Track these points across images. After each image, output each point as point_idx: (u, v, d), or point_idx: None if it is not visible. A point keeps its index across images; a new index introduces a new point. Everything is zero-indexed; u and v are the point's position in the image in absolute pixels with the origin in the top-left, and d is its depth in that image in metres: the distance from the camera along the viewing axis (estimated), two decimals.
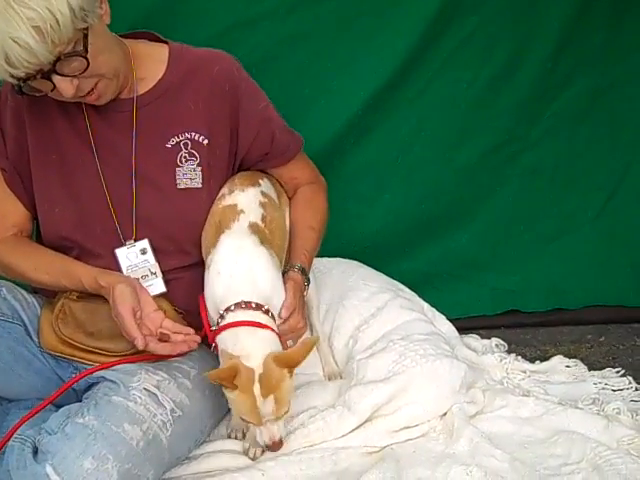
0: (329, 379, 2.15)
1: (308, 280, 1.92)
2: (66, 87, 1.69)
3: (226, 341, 1.72)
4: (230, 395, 1.69)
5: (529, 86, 2.48)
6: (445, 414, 1.97)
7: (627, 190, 2.58)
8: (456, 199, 2.57)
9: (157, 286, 1.90)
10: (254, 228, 1.84)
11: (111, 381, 1.75)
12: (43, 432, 1.63)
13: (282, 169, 2.05)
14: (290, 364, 1.69)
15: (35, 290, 2.01)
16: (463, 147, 2.53)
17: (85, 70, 1.69)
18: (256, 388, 1.66)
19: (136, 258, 1.89)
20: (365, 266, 2.45)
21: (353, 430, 1.92)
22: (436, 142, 2.52)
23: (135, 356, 1.83)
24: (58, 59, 1.64)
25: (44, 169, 1.92)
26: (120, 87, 1.86)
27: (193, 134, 1.91)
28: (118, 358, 1.83)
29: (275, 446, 1.72)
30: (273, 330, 1.75)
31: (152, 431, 1.69)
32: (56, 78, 1.68)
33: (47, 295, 1.98)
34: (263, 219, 1.88)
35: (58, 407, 1.81)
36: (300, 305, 1.84)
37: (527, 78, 2.47)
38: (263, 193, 1.94)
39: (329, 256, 2.44)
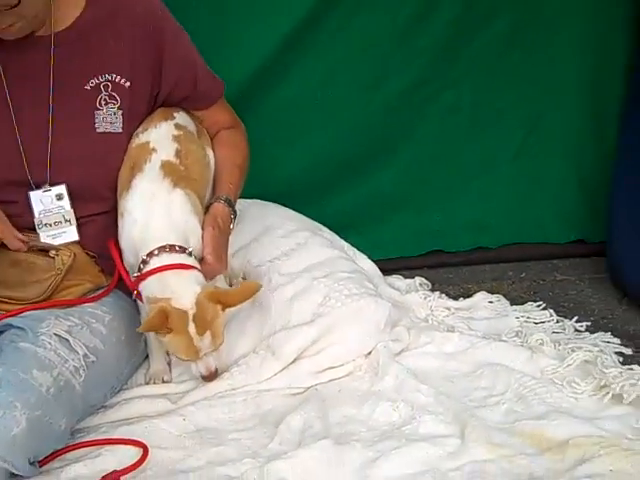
0: (230, 285, 2.12)
1: (235, 212, 1.92)
2: None
3: (152, 287, 1.73)
4: (164, 339, 1.72)
5: (448, 24, 2.47)
6: (370, 353, 1.95)
7: (546, 127, 2.60)
8: (376, 139, 2.55)
9: (70, 234, 1.85)
10: (167, 168, 1.82)
11: (18, 327, 1.68)
12: None
13: (203, 113, 2.02)
14: (226, 303, 1.74)
15: None
16: (382, 86, 2.51)
17: (14, 7, 1.63)
18: (191, 327, 1.70)
19: (51, 203, 1.84)
20: (283, 207, 2.40)
21: (276, 373, 1.89)
22: (355, 81, 2.49)
23: (44, 302, 1.77)
24: None
25: None
26: (34, 27, 1.77)
27: (114, 76, 1.86)
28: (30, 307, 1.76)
29: (211, 376, 1.79)
30: (199, 271, 1.76)
31: (63, 377, 1.63)
32: None
33: None
34: (177, 154, 1.85)
35: None
36: (222, 243, 1.83)
37: (446, 16, 2.46)
38: (178, 126, 1.91)
39: (248, 198, 2.39)
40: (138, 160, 1.83)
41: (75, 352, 1.68)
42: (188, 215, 1.80)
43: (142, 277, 1.73)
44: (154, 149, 1.84)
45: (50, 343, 1.65)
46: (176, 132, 1.89)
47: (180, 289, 1.71)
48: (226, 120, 2.07)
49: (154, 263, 1.72)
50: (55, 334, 1.66)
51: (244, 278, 2.13)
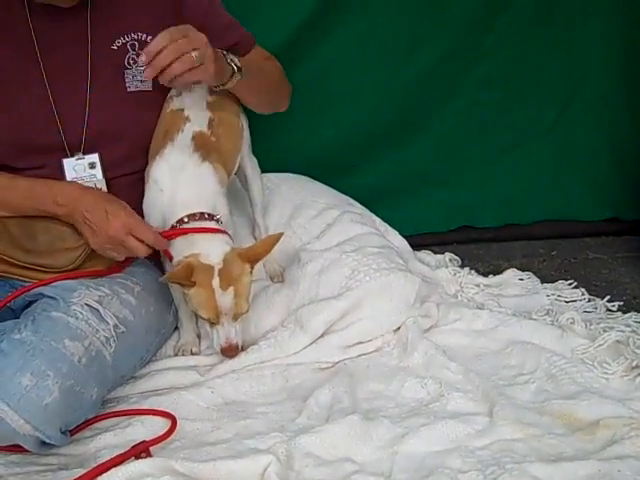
0: (271, 279, 2.13)
1: (238, 69, 1.85)
2: None
3: (181, 246, 1.76)
4: (189, 292, 1.73)
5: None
6: (399, 328, 1.96)
7: (580, 102, 2.57)
8: (407, 111, 2.52)
9: None
10: (199, 140, 1.83)
11: (50, 297, 1.70)
12: None
13: None
14: (253, 258, 1.75)
15: None
16: (413, 57, 2.48)
17: None
18: (215, 281, 1.71)
19: (83, 171, 1.86)
20: (314, 181, 2.41)
21: (305, 347, 1.91)
22: (386, 52, 2.46)
23: (75, 272, 1.79)
24: None
25: None
26: None
27: (139, 34, 1.86)
28: (57, 274, 1.77)
29: (230, 350, 1.77)
30: (229, 236, 1.80)
31: (95, 347, 1.65)
32: None
33: None
34: (210, 123, 1.86)
35: None
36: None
37: None
38: (211, 91, 1.91)
39: (277, 171, 2.40)
40: (171, 128, 1.85)
41: (105, 322, 1.69)
42: (215, 187, 1.83)
43: (172, 234, 1.76)
44: (188, 118, 1.86)
45: (81, 313, 1.66)
46: (210, 98, 1.90)
47: (208, 247, 1.74)
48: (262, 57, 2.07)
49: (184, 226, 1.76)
50: (86, 304, 1.68)
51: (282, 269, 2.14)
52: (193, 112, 1.87)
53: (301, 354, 1.90)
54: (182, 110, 1.87)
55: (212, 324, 1.76)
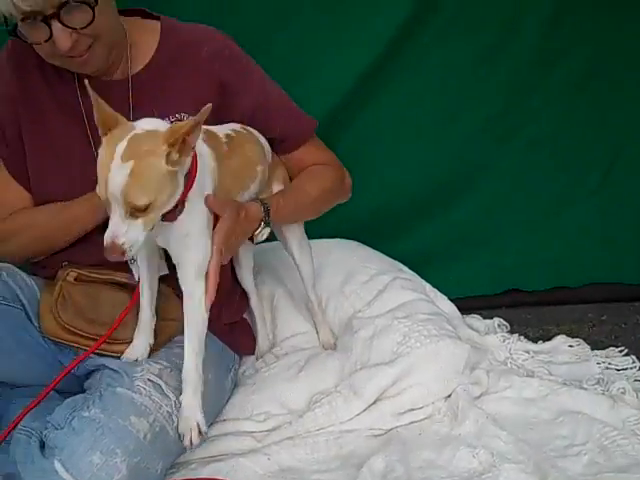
0: (324, 347, 2.21)
1: (267, 222, 1.85)
2: (64, 38, 1.70)
3: None
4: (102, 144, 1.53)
5: (527, 56, 2.51)
6: (449, 396, 2.01)
7: (626, 163, 2.62)
8: (453, 173, 2.60)
9: (161, 268, 1.90)
10: (209, 135, 1.76)
11: (113, 370, 1.78)
12: (50, 426, 1.66)
13: (292, 154, 2.06)
14: (172, 136, 1.50)
15: (34, 272, 2.03)
16: (461, 119, 2.56)
17: (88, 25, 1.70)
18: (120, 146, 1.47)
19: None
20: (364, 246, 2.50)
21: (359, 414, 1.97)
22: (433, 115, 2.54)
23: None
24: (66, 2, 1.66)
25: (38, 155, 1.94)
26: (109, 62, 1.87)
27: (182, 114, 1.92)
28: (122, 346, 1.85)
29: (112, 250, 1.48)
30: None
31: (159, 423, 1.72)
32: (56, 26, 1.68)
33: (45, 276, 2.00)
34: (228, 137, 1.81)
35: (60, 393, 1.86)
36: (232, 232, 1.74)
37: (524, 48, 2.50)
38: (245, 128, 1.91)
39: (327, 235, 2.48)
40: None
41: (168, 398, 1.76)
42: (206, 162, 1.68)
43: None
44: (208, 129, 1.78)
45: (145, 389, 1.73)
46: (239, 129, 1.89)
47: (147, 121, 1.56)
48: (318, 159, 2.09)
49: None
50: (149, 379, 1.75)
51: (335, 339, 2.21)
52: (216, 127, 1.82)
53: (355, 420, 1.96)
54: (207, 128, 1.79)
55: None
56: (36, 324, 1.93)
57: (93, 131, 1.90)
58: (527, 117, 2.57)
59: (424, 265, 2.52)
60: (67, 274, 1.93)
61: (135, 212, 1.48)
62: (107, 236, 1.49)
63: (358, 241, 2.52)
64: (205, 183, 1.67)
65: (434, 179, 2.59)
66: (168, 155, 1.49)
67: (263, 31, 2.37)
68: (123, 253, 1.49)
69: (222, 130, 1.84)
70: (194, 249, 1.67)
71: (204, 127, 1.70)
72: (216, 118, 1.92)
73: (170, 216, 1.60)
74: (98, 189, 1.50)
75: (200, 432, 1.72)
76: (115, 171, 1.45)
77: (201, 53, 1.94)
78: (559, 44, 2.50)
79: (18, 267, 2.00)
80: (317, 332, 2.23)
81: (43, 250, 2.00)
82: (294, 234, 2.11)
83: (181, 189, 1.57)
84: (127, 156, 1.46)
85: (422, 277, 2.48)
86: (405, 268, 2.46)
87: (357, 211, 2.54)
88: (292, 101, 2.05)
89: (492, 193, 2.62)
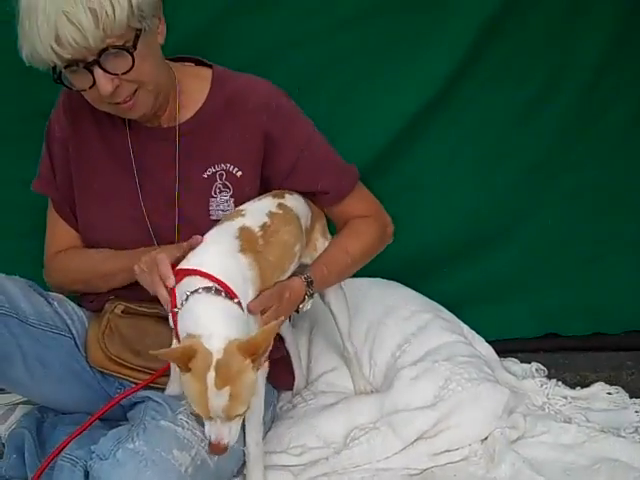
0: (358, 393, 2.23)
1: (311, 294, 1.89)
2: (105, 84, 1.75)
3: (187, 317, 1.63)
4: (183, 377, 1.58)
5: (569, 108, 2.54)
6: (486, 438, 2.03)
7: None
8: (493, 220, 2.62)
9: None
10: (244, 233, 1.79)
11: (157, 402, 1.81)
12: (94, 456, 1.69)
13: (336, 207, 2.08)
14: (253, 350, 1.55)
15: (80, 304, 2.10)
16: (502, 168, 2.59)
17: (128, 70, 1.76)
18: (210, 376, 1.53)
19: None
20: (404, 286, 2.53)
21: (396, 453, 2.00)
22: (475, 162, 2.58)
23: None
24: (105, 49, 1.72)
25: (86, 200, 2.03)
26: (157, 108, 1.93)
27: (228, 165, 1.97)
28: (166, 378, 1.88)
29: (218, 449, 1.60)
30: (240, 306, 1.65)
31: (200, 456, 1.75)
32: (98, 72, 1.74)
33: (93, 309, 2.07)
34: (263, 227, 1.82)
35: (103, 421, 1.91)
36: (275, 311, 1.78)
37: (567, 100, 2.53)
38: (281, 205, 1.91)
39: (367, 275, 2.50)
40: (224, 218, 1.87)
41: None
42: (238, 276, 1.70)
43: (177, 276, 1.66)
44: (243, 214, 1.84)
45: (187, 422, 1.77)
46: (275, 210, 1.89)
47: (212, 323, 1.58)
48: (361, 210, 2.10)
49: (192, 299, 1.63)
50: (192, 413, 1.76)
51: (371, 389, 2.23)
52: (251, 213, 1.85)
53: (391, 459, 1.99)
54: (242, 210, 1.87)
55: None
56: (84, 354, 1.99)
57: (141, 179, 1.99)
58: (568, 167, 2.59)
59: (462, 307, 2.54)
60: (115, 307, 2.00)
61: (233, 417, 1.58)
62: (213, 439, 1.59)
63: (398, 282, 2.55)
64: (248, 295, 1.72)
65: (475, 224, 2.62)
66: (253, 365, 1.57)
67: (313, 79, 2.43)
68: (226, 449, 1.60)
69: (257, 218, 1.84)
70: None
71: (239, 219, 1.80)
72: (257, 171, 1.99)
73: None
74: (197, 409, 1.57)
75: None
76: (214, 398, 1.54)
77: (248, 104, 1.98)
78: (603, 95, 2.53)
79: (68, 297, 2.08)
80: (353, 382, 2.24)
81: (86, 291, 2.08)
82: (331, 290, 2.10)
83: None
84: (221, 383, 1.53)
85: (460, 319, 2.50)
86: (444, 309, 2.49)
87: (398, 253, 2.53)
88: (337, 154, 2.08)
89: (533, 239, 2.64)
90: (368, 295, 2.43)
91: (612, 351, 2.56)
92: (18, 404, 2.19)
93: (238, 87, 2.00)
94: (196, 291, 1.62)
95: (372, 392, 2.21)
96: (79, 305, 2.09)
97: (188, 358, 1.54)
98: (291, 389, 2.27)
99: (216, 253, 1.73)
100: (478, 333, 2.49)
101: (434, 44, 2.44)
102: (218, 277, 1.64)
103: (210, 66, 2.04)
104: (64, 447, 1.78)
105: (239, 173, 1.97)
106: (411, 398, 2.08)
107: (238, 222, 1.80)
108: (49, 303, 1.99)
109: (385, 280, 2.53)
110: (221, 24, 2.35)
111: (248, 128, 1.97)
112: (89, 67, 1.74)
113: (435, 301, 2.52)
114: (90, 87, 1.78)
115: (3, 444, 2.06)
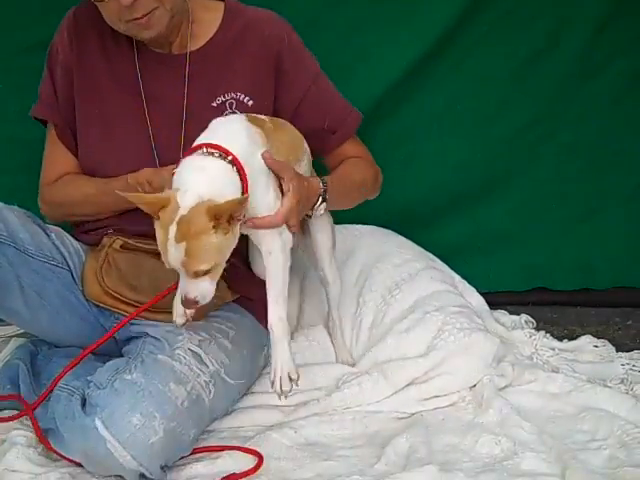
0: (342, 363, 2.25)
1: (324, 198, 1.89)
2: None
3: (175, 177, 1.66)
4: (155, 224, 1.64)
5: (567, 64, 2.56)
6: (475, 385, 2.08)
7: None
8: (490, 172, 2.65)
9: None
10: (252, 118, 1.81)
11: (155, 338, 1.86)
12: (92, 385, 1.75)
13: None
14: (218, 214, 1.58)
15: (77, 238, 2.10)
16: (499, 120, 2.61)
17: None
18: (172, 229, 1.59)
19: None
20: (398, 235, 2.56)
21: (386, 397, 2.04)
22: (472, 114, 2.60)
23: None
24: None
25: (88, 126, 2.04)
26: (170, 31, 1.94)
27: (238, 94, 2.00)
28: (162, 315, 1.91)
29: (187, 303, 1.65)
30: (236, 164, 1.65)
31: (195, 391, 1.80)
32: None
33: (89, 243, 2.08)
34: (270, 120, 1.87)
35: (98, 355, 1.95)
36: (296, 209, 1.78)
37: (566, 55, 2.55)
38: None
39: (364, 223, 2.55)
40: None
41: (206, 366, 1.84)
42: (254, 139, 1.73)
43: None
44: (248, 114, 1.85)
45: (185, 357, 1.82)
46: (279, 120, 1.93)
47: (191, 182, 1.61)
48: (358, 153, 2.14)
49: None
50: (189, 349, 1.83)
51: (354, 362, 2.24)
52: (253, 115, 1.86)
53: (382, 403, 2.04)
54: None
55: None
56: (80, 287, 2.01)
57: (149, 104, 1.99)
58: (564, 124, 2.61)
59: (454, 258, 2.58)
60: (113, 241, 2.02)
61: (199, 273, 1.62)
62: (179, 294, 1.67)
63: (392, 230, 2.58)
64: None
65: (470, 176, 2.65)
66: (215, 229, 1.59)
67: (311, 22, 2.41)
68: (196, 303, 1.65)
69: (261, 118, 1.87)
70: (266, 212, 1.73)
71: (244, 114, 1.80)
72: (268, 101, 2.01)
73: None
74: (162, 256, 1.63)
75: (290, 379, 1.76)
76: (172, 250, 1.60)
77: (262, 36, 2.01)
78: (600, 55, 2.55)
79: (66, 230, 2.10)
80: (335, 353, 2.26)
81: (78, 217, 2.09)
82: (325, 250, 2.11)
83: (237, 236, 1.66)
84: (180, 237, 1.58)
85: (452, 270, 2.55)
86: (436, 259, 2.52)
87: (392, 202, 2.59)
88: (342, 96, 2.12)
89: (526, 193, 2.67)
90: (362, 241, 2.47)
91: (600, 307, 2.61)
92: (12, 337, 2.24)
93: (252, 18, 2.03)
94: (189, 154, 1.67)
95: (354, 365, 2.21)
96: (75, 238, 2.10)
97: (159, 207, 1.60)
98: None
99: (218, 124, 1.75)
100: (470, 284, 2.53)
101: None
102: (213, 142, 1.67)
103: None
104: (62, 376, 1.82)
105: (250, 102, 2.00)
106: (404, 350, 2.13)
107: (243, 114, 1.84)
108: (47, 235, 2.01)
109: (380, 228, 2.56)
110: None
111: (260, 59, 2.00)
112: None
113: (429, 251, 2.55)
114: None
115: None
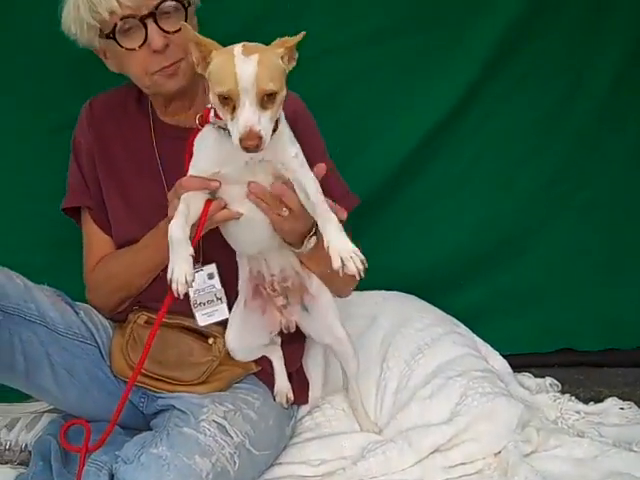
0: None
1: (316, 231, 1.83)
2: (158, 38, 1.88)
3: None
4: (208, 69, 1.63)
5: (585, 122, 2.60)
6: (500, 452, 2.09)
7: None
8: (511, 233, 2.68)
9: (222, 312, 2.00)
10: None
11: (181, 411, 1.91)
12: (119, 460, 1.79)
13: None
14: (285, 41, 1.63)
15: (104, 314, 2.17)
16: (516, 182, 2.65)
17: (179, 30, 1.87)
18: (237, 49, 1.58)
19: (203, 283, 2.00)
20: (420, 299, 2.60)
21: (411, 466, 2.06)
22: (490, 177, 2.65)
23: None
24: (162, 2, 1.88)
25: (113, 205, 2.11)
26: (192, 82, 1.99)
27: None
28: (185, 387, 1.99)
29: (250, 137, 1.56)
30: None
31: (221, 463, 1.84)
32: (152, 27, 1.89)
33: (117, 320, 2.15)
34: None
35: (126, 429, 2.01)
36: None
37: (583, 114, 2.60)
38: None
39: (384, 289, 2.59)
40: None
41: (230, 438, 1.88)
42: None
43: None
44: None
45: (209, 429, 1.86)
46: None
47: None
48: None
49: None
50: (214, 420, 1.88)
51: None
52: None
53: (407, 472, 2.05)
54: None
55: (232, 109, 1.59)
56: (108, 363, 2.07)
57: (167, 174, 2.06)
58: (584, 182, 2.65)
59: (477, 321, 2.61)
60: (138, 317, 2.09)
61: (264, 101, 1.58)
62: (242, 127, 1.56)
63: (414, 294, 2.62)
64: None
65: (491, 238, 2.68)
66: (282, 57, 1.62)
67: (331, 94, 2.50)
68: (260, 139, 1.56)
69: None
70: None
71: None
72: None
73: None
74: (224, 84, 1.57)
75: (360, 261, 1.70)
76: (242, 64, 1.56)
77: None
78: (619, 108, 2.60)
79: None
80: (359, 425, 2.24)
81: (128, 293, 2.12)
82: (334, 326, 2.07)
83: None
84: (248, 52, 1.57)
85: (475, 332, 2.57)
86: (459, 323, 2.55)
87: (414, 267, 2.67)
88: (342, 180, 2.13)
89: (547, 253, 2.69)
90: (384, 307, 2.51)
91: (626, 367, 2.61)
92: (44, 412, 2.29)
93: None
94: None
95: (379, 432, 2.21)
96: (103, 315, 2.17)
97: (209, 51, 1.61)
98: (306, 403, 2.29)
99: None
100: (492, 347, 2.54)
101: (450, 63, 2.53)
102: None
103: None
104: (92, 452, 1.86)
105: None
106: (428, 416, 2.15)
107: None
108: (76, 312, 2.08)
109: (402, 293, 2.60)
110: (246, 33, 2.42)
111: None
112: (144, 20, 1.87)
113: (451, 314, 2.58)
114: (140, 46, 1.90)
115: (29, 452, 2.14)
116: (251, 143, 1.57)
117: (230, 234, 1.89)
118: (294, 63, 1.67)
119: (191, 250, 1.71)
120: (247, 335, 2.00)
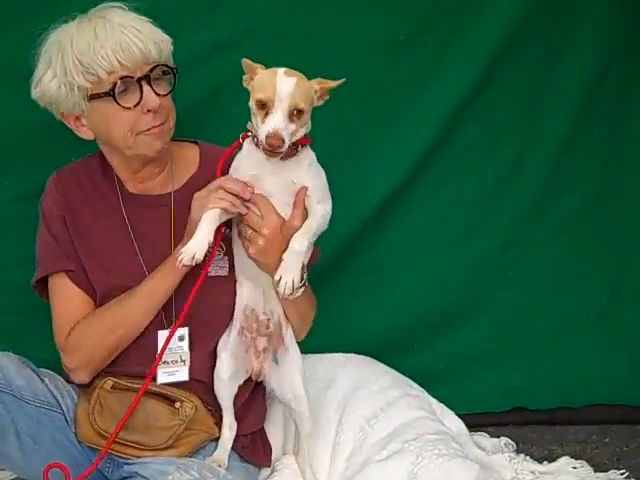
0: None
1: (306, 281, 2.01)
2: (154, 99, 2.01)
3: None
4: (252, 83, 1.90)
5: (533, 188, 2.73)
6: None
7: (627, 290, 2.81)
8: (463, 297, 2.78)
9: (182, 374, 2.10)
10: None
11: (145, 478, 1.90)
12: None
13: None
14: (320, 82, 1.91)
15: (68, 380, 2.19)
16: (469, 247, 2.76)
17: (170, 92, 2.06)
18: (280, 70, 1.87)
19: (174, 343, 2.08)
20: (377, 362, 2.67)
21: None
22: (443, 242, 2.75)
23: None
24: (157, 66, 2.02)
25: (90, 267, 2.15)
26: (163, 154, 2.11)
27: (223, 228, 2.09)
28: (152, 452, 2.01)
29: (275, 138, 1.83)
30: None
31: None
32: (146, 88, 2.00)
33: (82, 385, 2.17)
34: None
35: None
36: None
37: (530, 180, 2.72)
38: None
39: (341, 350, 2.66)
40: None
41: None
42: None
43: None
44: None
45: None
46: None
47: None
48: None
49: None
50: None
51: None
52: None
53: None
54: None
55: (265, 114, 1.85)
56: (73, 429, 2.10)
57: (140, 246, 2.14)
58: (532, 246, 2.77)
59: (433, 382, 2.68)
60: (104, 382, 2.11)
61: (293, 115, 1.86)
62: (271, 126, 1.83)
63: (371, 356, 2.69)
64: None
65: (444, 301, 2.77)
66: (315, 91, 1.92)
67: None
68: (282, 141, 1.84)
69: None
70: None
71: None
72: None
73: (291, 151, 1.93)
74: (263, 92, 1.85)
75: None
76: (282, 81, 1.85)
77: None
78: (563, 178, 2.73)
79: (58, 373, 2.19)
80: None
81: (119, 348, 2.13)
82: (297, 383, 2.18)
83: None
84: (289, 74, 1.88)
85: (430, 393, 2.63)
86: (414, 384, 2.62)
87: (369, 329, 2.74)
88: None
89: (500, 315, 2.79)
90: (342, 369, 2.57)
91: (578, 425, 2.69)
92: None
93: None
94: None
95: None
96: (67, 381, 2.19)
97: (254, 71, 1.91)
98: (269, 466, 2.33)
99: None
100: (448, 407, 2.61)
101: (402, 129, 2.63)
102: None
103: (195, 142, 2.26)
104: None
105: (231, 233, 2.10)
106: (384, 477, 2.20)
107: None
108: (41, 379, 2.11)
109: (359, 355, 2.67)
110: (205, 107, 2.53)
111: None
112: (140, 82, 1.99)
113: (406, 376, 2.66)
114: (135, 105, 2.01)
115: None
116: (274, 142, 1.83)
117: (240, 252, 2.06)
118: (322, 102, 1.95)
119: (211, 238, 1.91)
120: (234, 364, 2.11)
